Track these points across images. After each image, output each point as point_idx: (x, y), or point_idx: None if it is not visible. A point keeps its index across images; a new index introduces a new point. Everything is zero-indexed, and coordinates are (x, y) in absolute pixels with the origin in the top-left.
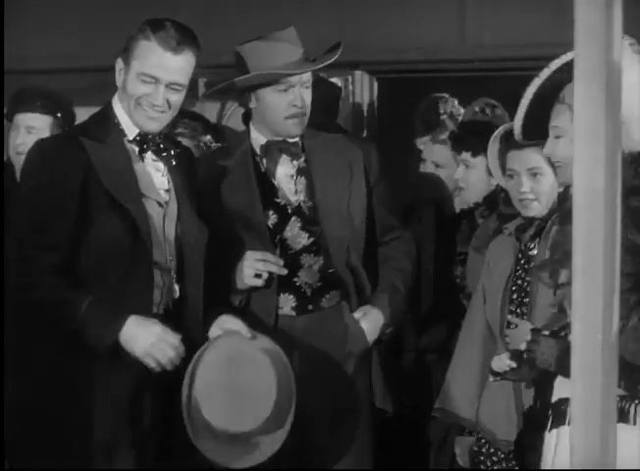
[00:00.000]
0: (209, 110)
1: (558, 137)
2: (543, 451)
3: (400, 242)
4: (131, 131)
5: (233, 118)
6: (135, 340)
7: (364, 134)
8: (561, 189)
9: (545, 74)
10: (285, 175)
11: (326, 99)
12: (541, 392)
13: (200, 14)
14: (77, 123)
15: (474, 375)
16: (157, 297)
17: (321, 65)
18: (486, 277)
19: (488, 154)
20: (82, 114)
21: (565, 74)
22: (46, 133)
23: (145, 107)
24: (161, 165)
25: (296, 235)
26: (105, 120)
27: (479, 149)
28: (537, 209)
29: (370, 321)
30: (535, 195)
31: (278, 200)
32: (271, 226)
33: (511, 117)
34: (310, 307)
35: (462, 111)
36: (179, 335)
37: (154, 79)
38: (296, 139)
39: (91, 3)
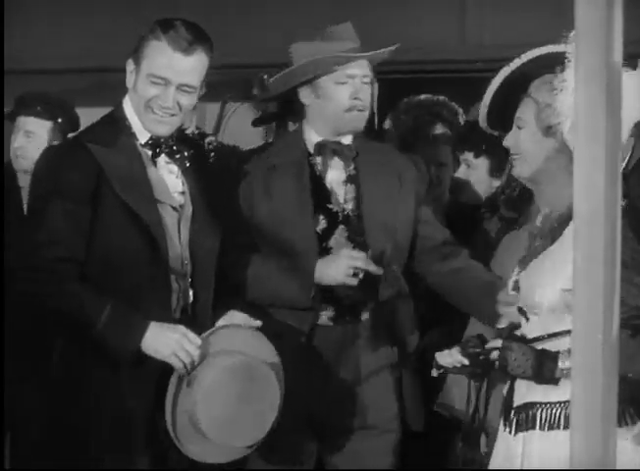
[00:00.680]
0: (210, 110)
1: (520, 129)
2: (497, 451)
3: (467, 256)
4: (142, 135)
5: (233, 118)
6: (160, 343)
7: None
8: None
9: (515, 64)
10: (336, 181)
11: None
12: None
13: (201, 14)
14: (85, 127)
15: None
16: (174, 302)
17: (380, 51)
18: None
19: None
20: (83, 114)
21: (535, 66)
22: (44, 138)
23: (155, 110)
24: (175, 167)
25: (342, 244)
26: (115, 123)
27: (481, 150)
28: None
29: None
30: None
31: (330, 206)
32: (320, 232)
33: None
34: (348, 318)
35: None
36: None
37: (164, 81)
38: (350, 142)
39: (92, 3)
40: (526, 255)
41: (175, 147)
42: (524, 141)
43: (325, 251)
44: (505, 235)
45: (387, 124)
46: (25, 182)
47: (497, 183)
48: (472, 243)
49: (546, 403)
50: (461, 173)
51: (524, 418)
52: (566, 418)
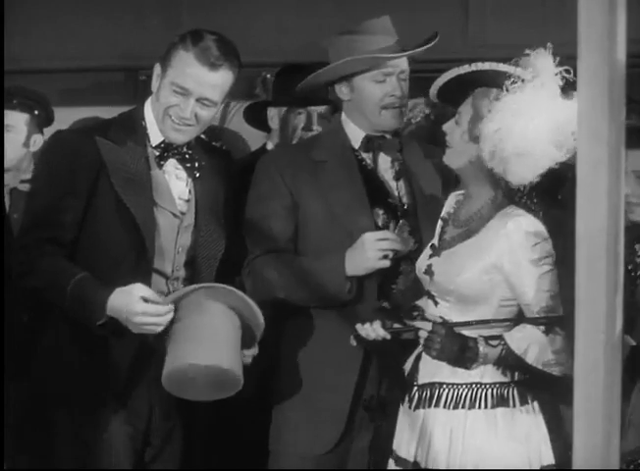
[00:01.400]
0: None
1: (457, 124)
2: (401, 426)
3: None
4: (155, 138)
5: (236, 117)
6: (126, 303)
7: None
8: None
9: (480, 66)
10: (387, 175)
11: None
12: (389, 365)
13: (201, 14)
14: (101, 120)
15: None
16: None
17: (419, 49)
18: None
19: None
20: (83, 114)
21: (483, 76)
22: (22, 131)
23: (173, 118)
24: (184, 174)
25: (406, 239)
26: (131, 123)
27: None
28: None
29: None
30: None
31: (390, 200)
32: (381, 226)
33: None
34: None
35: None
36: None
37: (185, 91)
38: (392, 137)
39: (92, 3)
40: (440, 241)
41: (187, 156)
42: (457, 137)
43: None
44: None
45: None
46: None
47: None
48: None
49: (452, 384)
50: None
51: (430, 396)
52: (471, 399)
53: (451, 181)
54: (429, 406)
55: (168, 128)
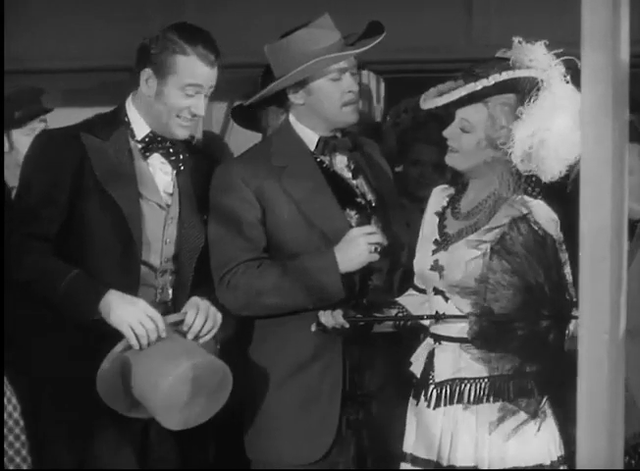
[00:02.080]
0: (217, 109)
1: (464, 131)
2: (412, 425)
3: None
4: (140, 131)
5: None
6: (116, 312)
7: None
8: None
9: (482, 83)
10: (346, 175)
11: None
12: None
13: (202, 13)
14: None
15: None
16: (152, 297)
17: (373, 43)
18: None
19: None
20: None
21: (500, 86)
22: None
23: (184, 116)
24: (169, 168)
25: (382, 234)
26: (114, 119)
27: None
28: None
29: None
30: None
31: (358, 200)
32: (355, 226)
33: None
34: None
35: None
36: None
37: (200, 89)
38: (344, 137)
39: (92, 3)
40: (443, 235)
41: (171, 149)
42: (468, 144)
43: None
44: None
45: (386, 123)
46: None
47: None
48: None
49: (474, 378)
50: None
51: (448, 393)
52: (494, 392)
53: (388, 170)
54: (451, 403)
55: (174, 125)
